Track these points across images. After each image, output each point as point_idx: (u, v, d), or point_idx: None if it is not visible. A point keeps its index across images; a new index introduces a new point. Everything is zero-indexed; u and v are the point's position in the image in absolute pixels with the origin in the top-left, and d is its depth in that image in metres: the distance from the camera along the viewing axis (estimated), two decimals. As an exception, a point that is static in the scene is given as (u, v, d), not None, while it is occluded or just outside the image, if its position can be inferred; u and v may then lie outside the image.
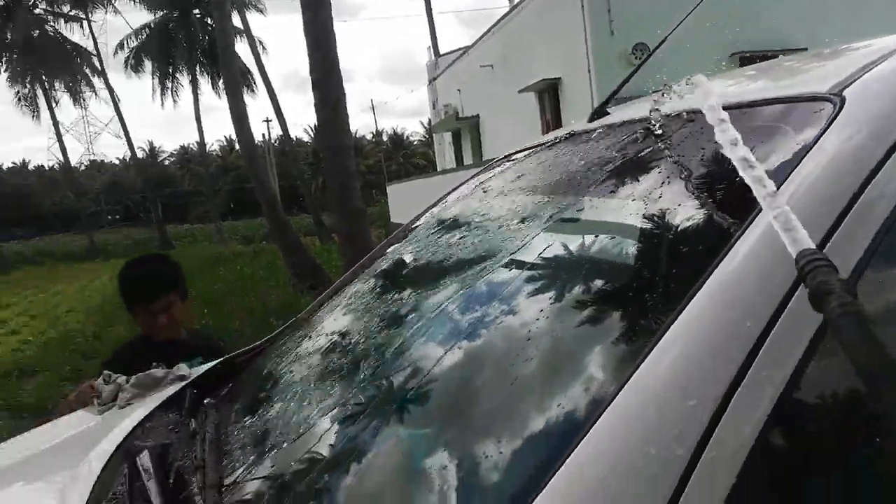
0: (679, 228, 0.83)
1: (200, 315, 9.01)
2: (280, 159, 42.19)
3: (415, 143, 64.61)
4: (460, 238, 1.30)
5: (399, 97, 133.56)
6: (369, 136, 56.87)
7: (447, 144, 22.86)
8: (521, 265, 1.04)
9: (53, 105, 32.50)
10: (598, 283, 0.94)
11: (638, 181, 1.01)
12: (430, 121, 35.39)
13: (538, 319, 0.89)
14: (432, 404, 0.92)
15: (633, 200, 0.96)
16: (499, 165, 1.68)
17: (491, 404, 0.84)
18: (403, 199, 19.13)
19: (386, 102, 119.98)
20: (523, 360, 0.84)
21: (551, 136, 1.53)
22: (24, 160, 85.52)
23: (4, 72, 31.55)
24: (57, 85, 32.86)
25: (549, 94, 14.16)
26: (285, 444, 1.04)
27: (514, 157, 1.66)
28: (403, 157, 59.05)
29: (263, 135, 36.86)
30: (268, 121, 42.06)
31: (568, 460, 0.62)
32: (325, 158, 8.25)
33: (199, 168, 50.34)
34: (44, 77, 31.76)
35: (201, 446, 1.13)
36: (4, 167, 65.56)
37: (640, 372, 0.64)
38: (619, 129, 1.20)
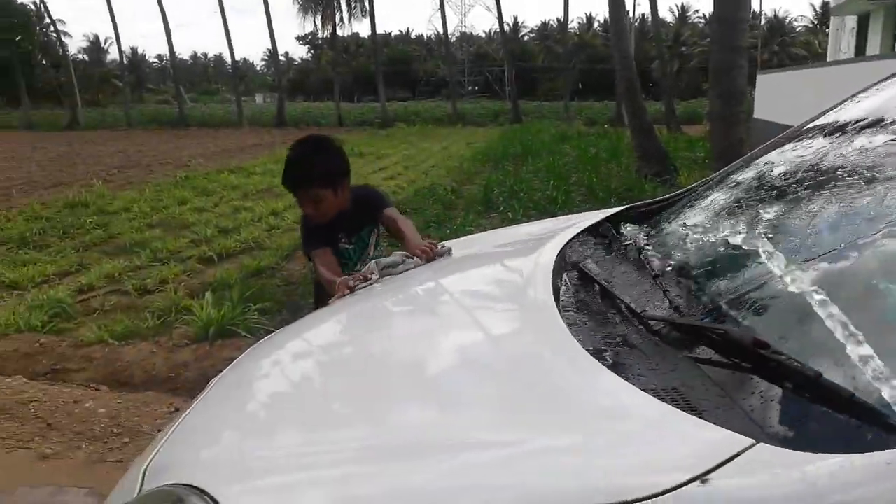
0: None
1: (546, 186, 9.31)
2: (637, 39, 40.13)
3: (797, 29, 55.49)
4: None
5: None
6: (742, 19, 50.25)
7: (848, 31, 19.02)
8: None
9: (440, -26, 35.26)
10: None
11: None
12: (825, 2, 29.85)
13: None
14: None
15: None
16: None
17: None
18: (775, 94, 16.70)
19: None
20: None
21: None
22: (408, 28, 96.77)
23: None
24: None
25: None
26: (713, 260, 1.23)
27: None
28: (779, 46, 51.31)
29: (627, 12, 35.21)
30: (634, -3, 39.96)
31: None
32: (716, 31, 7.67)
33: (555, 46, 50.95)
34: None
35: (649, 258, 1.34)
36: (392, 35, 75.24)
37: None
38: None
